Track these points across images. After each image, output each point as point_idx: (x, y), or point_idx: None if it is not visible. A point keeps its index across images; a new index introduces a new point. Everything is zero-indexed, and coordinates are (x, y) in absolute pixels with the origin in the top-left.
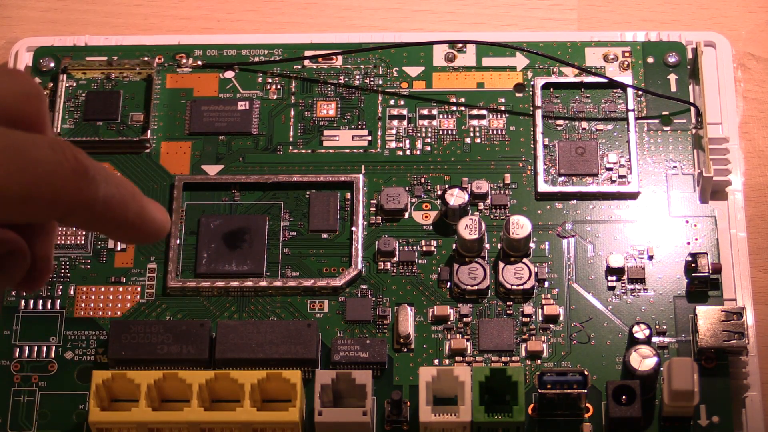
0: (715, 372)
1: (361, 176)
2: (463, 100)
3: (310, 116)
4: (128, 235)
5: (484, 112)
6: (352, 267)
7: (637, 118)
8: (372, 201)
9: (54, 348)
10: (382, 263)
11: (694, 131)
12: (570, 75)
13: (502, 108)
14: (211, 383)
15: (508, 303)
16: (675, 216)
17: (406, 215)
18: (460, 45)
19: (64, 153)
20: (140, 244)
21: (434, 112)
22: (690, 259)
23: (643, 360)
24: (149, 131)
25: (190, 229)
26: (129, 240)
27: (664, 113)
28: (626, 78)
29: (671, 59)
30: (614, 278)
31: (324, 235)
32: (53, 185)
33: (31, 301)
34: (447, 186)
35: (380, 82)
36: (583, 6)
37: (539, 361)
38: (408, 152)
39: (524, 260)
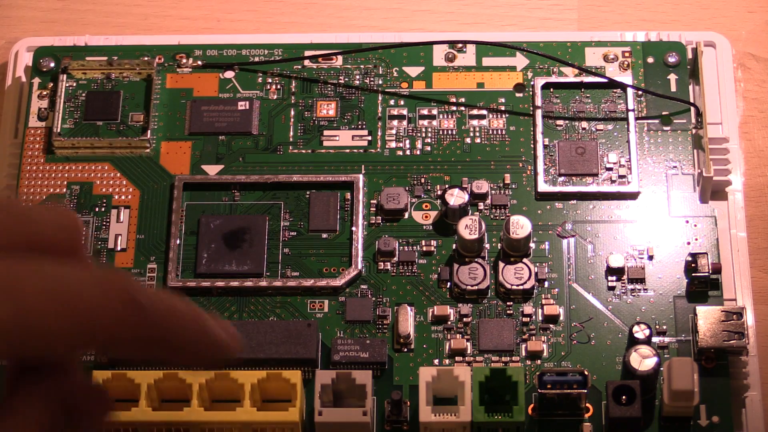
0: (715, 372)
1: (361, 176)
2: (463, 100)
3: (310, 116)
4: (187, 357)
5: (484, 112)
6: (352, 267)
7: (637, 118)
8: (372, 201)
9: None
10: (382, 263)
11: (694, 131)
12: (570, 75)
13: (502, 108)
14: (211, 383)
15: (508, 303)
16: (675, 216)
17: (406, 215)
18: (460, 45)
19: (112, 286)
20: (207, 367)
21: (434, 112)
22: (690, 259)
23: (643, 360)
24: (149, 131)
25: (190, 229)
26: (191, 363)
27: (664, 113)
28: (626, 78)
29: (671, 59)
30: (614, 278)
31: (324, 235)
32: (101, 322)
33: None
34: (447, 186)
35: (380, 82)
36: (583, 6)
37: (539, 361)
38: (408, 152)
39: (524, 260)
